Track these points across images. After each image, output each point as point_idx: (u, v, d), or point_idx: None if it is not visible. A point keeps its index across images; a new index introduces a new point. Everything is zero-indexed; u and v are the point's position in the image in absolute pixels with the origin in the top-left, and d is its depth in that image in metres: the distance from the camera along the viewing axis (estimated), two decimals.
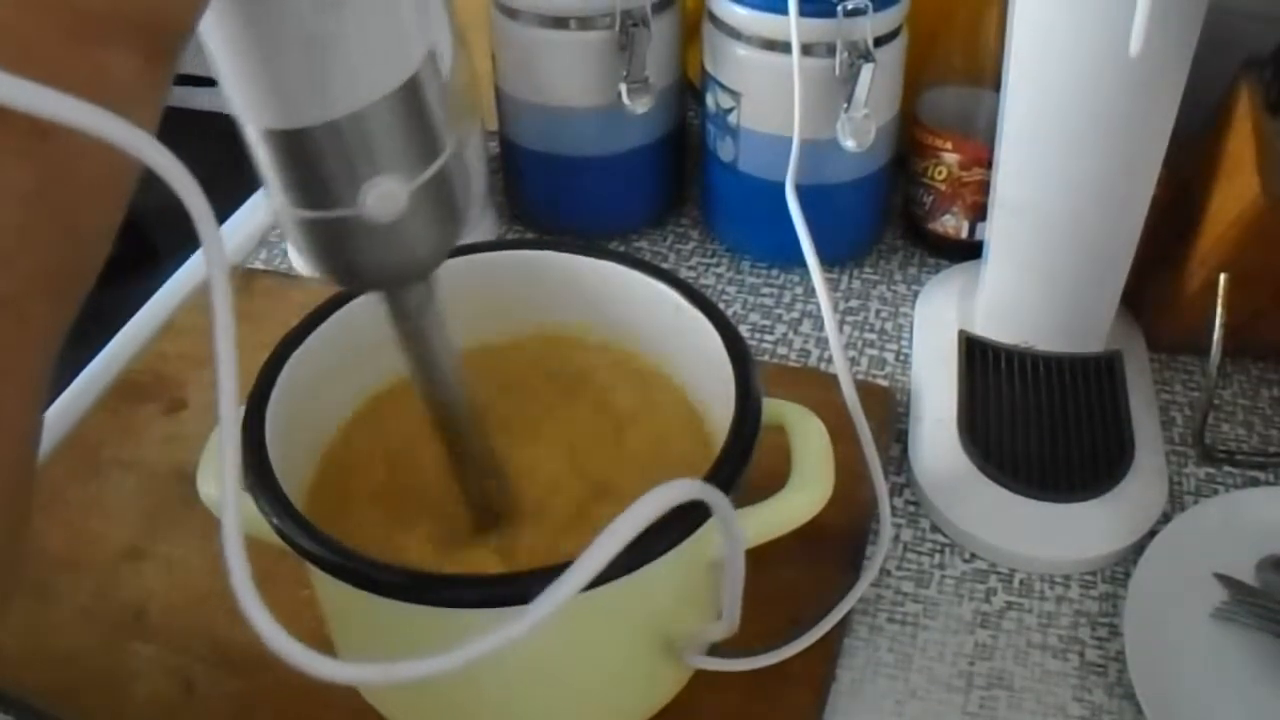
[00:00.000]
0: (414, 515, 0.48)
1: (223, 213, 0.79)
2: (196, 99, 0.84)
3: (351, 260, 0.35)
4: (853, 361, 0.68)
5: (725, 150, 0.71)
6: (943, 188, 0.72)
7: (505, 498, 0.46)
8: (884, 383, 0.67)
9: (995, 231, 0.62)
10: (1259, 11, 0.66)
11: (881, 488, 0.53)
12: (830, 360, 0.67)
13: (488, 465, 0.45)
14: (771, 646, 0.49)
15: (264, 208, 0.81)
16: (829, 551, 0.54)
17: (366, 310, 0.42)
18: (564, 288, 0.53)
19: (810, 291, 0.72)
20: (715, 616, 0.44)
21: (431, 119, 0.34)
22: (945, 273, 0.73)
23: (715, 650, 0.47)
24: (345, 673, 0.35)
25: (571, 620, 0.41)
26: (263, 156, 0.33)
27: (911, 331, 0.70)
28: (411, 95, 0.33)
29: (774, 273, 0.75)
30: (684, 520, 0.39)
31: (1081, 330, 0.63)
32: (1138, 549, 0.55)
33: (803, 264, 0.57)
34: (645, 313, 0.51)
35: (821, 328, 0.70)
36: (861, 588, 0.52)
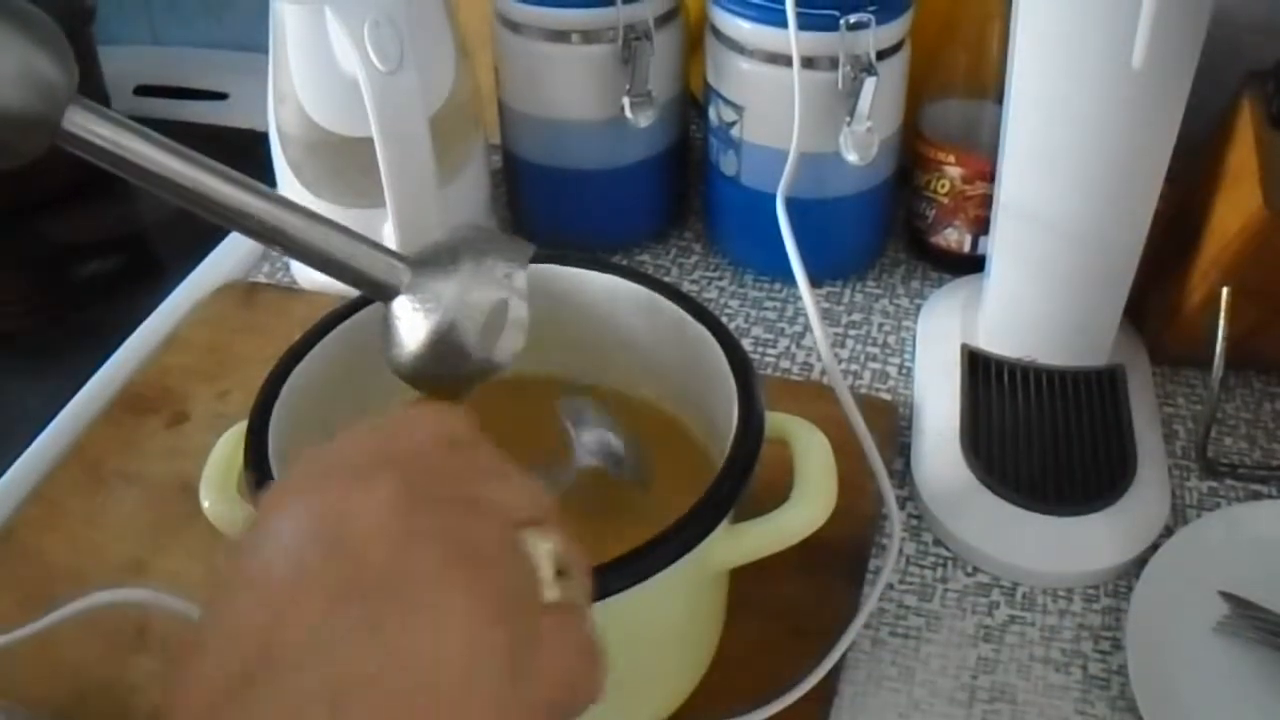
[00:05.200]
0: None
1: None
2: (201, 112, 0.84)
3: None
4: (855, 375, 0.68)
5: (728, 164, 0.71)
6: (945, 201, 0.72)
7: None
8: (887, 396, 0.67)
9: (998, 245, 0.62)
10: (1261, 24, 0.66)
11: (890, 500, 0.53)
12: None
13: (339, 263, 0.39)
14: (762, 700, 0.48)
15: None
16: (831, 565, 0.54)
17: (370, 324, 0.42)
18: (566, 301, 0.53)
19: None
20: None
21: None
22: (948, 286, 0.73)
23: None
24: None
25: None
26: None
27: (914, 345, 0.70)
28: None
29: (777, 286, 0.75)
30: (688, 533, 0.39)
31: (1084, 344, 0.63)
32: (1140, 562, 0.55)
33: None
34: (648, 326, 0.51)
35: None
36: (864, 615, 0.52)
